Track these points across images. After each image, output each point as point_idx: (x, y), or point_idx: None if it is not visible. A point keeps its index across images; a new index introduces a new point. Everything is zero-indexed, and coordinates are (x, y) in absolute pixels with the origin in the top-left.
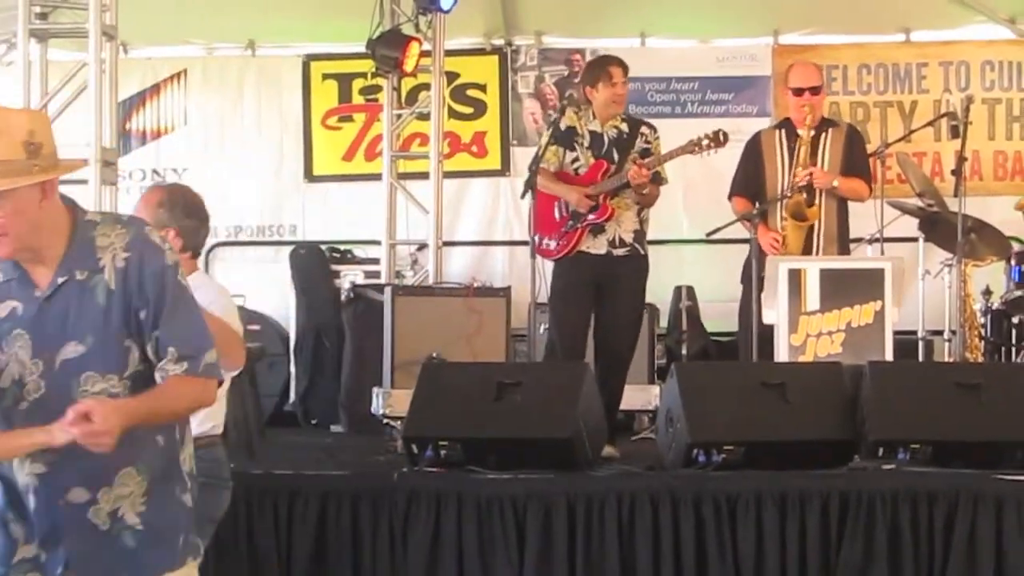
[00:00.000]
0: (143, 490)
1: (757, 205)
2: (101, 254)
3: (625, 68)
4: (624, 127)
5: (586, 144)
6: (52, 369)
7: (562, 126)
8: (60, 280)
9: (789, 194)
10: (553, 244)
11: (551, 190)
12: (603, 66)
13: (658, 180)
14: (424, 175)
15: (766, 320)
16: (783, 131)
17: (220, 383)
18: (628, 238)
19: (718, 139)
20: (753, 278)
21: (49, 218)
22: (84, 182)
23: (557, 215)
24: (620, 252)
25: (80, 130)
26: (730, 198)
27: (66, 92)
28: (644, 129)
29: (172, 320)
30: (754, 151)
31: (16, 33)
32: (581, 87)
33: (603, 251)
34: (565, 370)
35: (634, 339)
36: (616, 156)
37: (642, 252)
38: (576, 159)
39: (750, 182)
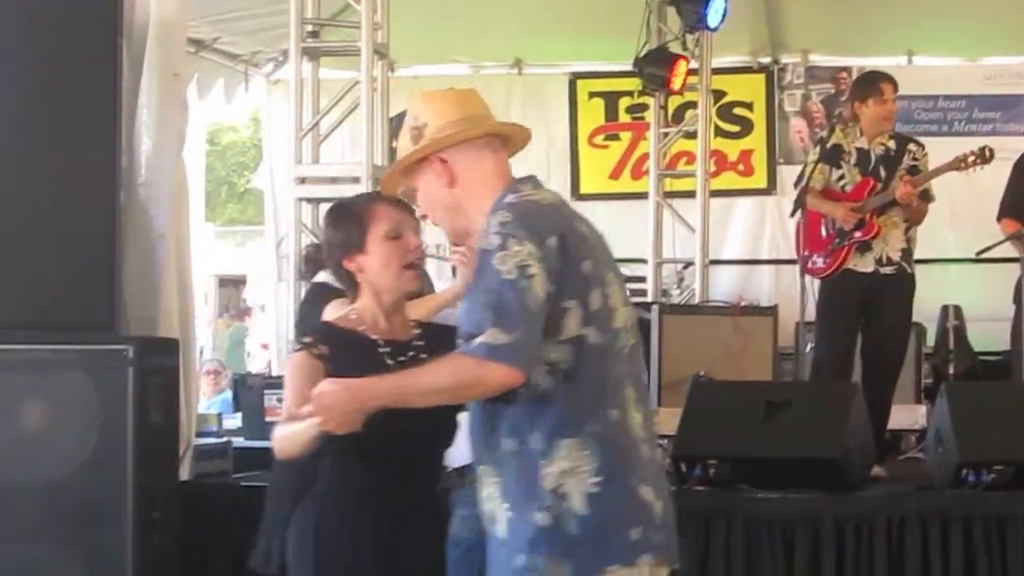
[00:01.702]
0: (500, 493)
1: None
2: None
3: (895, 85)
4: (892, 144)
5: (852, 161)
6: None
7: (829, 144)
8: None
9: None
10: (820, 262)
11: (817, 208)
12: (874, 82)
13: (926, 198)
14: (690, 193)
15: None
16: None
17: (515, 368)
18: (895, 256)
19: (984, 156)
20: (1022, 297)
21: (469, 199)
22: None
23: (824, 233)
24: (887, 271)
25: (351, 148)
26: (999, 220)
27: (336, 111)
28: (912, 146)
29: (466, 301)
30: (1022, 171)
31: (286, 51)
32: (850, 103)
33: (870, 269)
34: (834, 390)
35: (901, 358)
36: (883, 173)
37: (909, 271)
38: (842, 176)
39: (1018, 202)
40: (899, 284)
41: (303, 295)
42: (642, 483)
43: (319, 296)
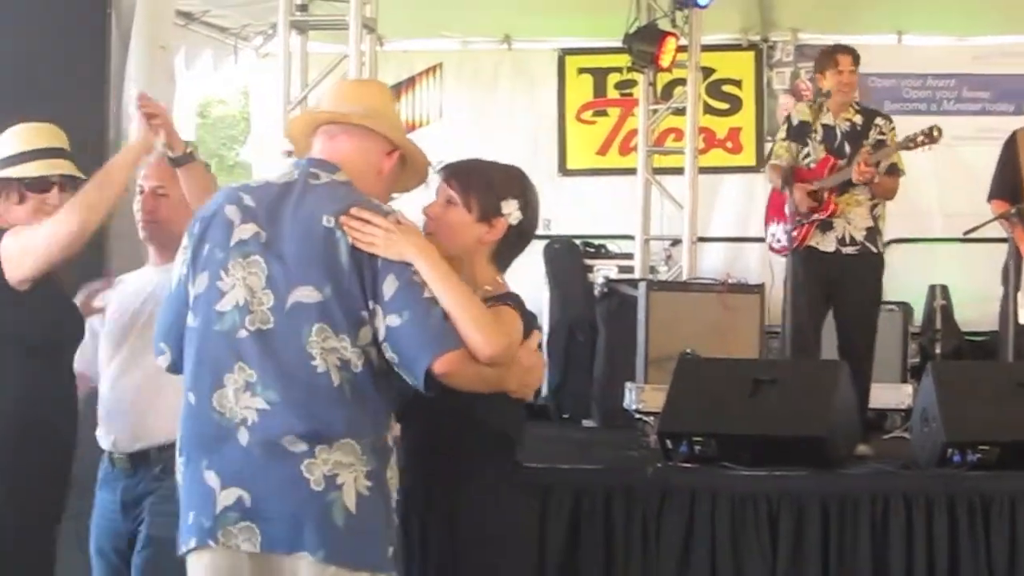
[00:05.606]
0: (365, 472)
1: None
2: None
3: (855, 57)
4: (858, 119)
5: (818, 139)
6: None
7: (795, 121)
8: None
9: None
10: (784, 239)
11: (777, 186)
12: (831, 54)
13: (894, 172)
14: (678, 170)
15: (1022, 320)
16: None
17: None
18: (859, 236)
19: (932, 136)
20: (1010, 278)
21: None
22: None
23: (788, 210)
24: (850, 250)
25: None
26: (990, 200)
27: (324, 85)
28: (879, 120)
29: None
30: (1011, 151)
31: (275, 25)
32: (815, 76)
33: (832, 249)
34: (820, 367)
35: (870, 338)
36: (848, 149)
37: (875, 251)
38: (808, 154)
39: (1007, 183)
40: (863, 265)
41: None
42: (211, 468)
43: None
